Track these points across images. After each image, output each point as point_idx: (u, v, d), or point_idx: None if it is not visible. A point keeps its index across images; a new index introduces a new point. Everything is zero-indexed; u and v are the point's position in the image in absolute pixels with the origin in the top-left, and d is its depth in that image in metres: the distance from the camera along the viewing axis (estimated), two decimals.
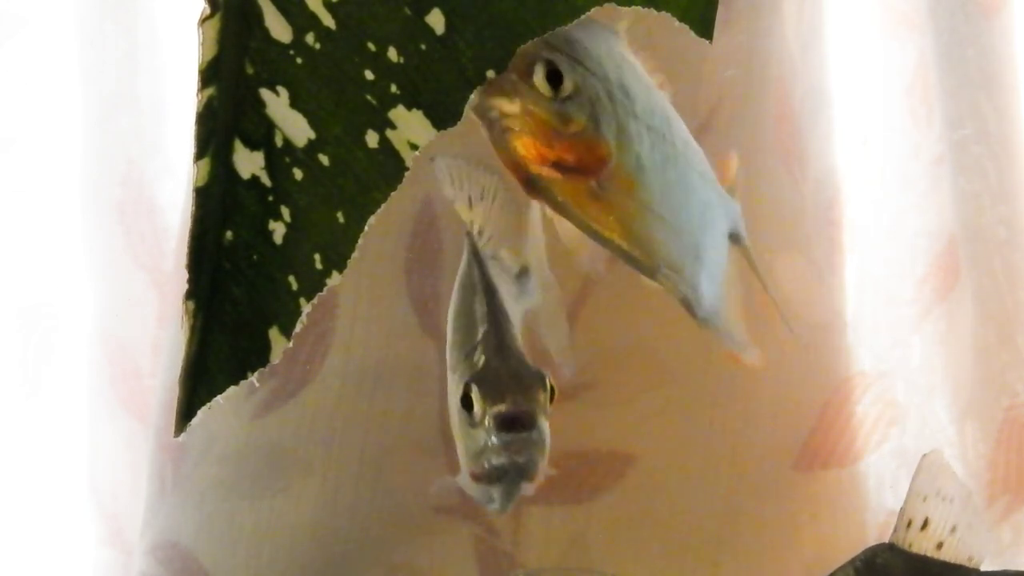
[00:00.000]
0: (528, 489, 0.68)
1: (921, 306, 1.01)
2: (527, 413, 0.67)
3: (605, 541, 0.95)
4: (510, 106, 0.61)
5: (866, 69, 1.01)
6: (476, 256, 0.73)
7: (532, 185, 0.62)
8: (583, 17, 0.62)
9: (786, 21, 0.96)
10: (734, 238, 0.70)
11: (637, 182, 0.63)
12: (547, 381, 0.68)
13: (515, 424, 0.66)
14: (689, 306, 0.66)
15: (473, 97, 0.61)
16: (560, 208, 0.62)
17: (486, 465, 0.67)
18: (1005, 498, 1.02)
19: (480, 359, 0.69)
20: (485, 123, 0.62)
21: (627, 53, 0.66)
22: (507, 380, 0.68)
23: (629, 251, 0.64)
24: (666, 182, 0.64)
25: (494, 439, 0.66)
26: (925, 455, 0.68)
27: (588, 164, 0.62)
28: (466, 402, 0.68)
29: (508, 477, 0.67)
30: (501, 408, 0.67)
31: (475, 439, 0.67)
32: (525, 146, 0.61)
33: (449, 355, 0.72)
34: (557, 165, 0.61)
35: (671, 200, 0.64)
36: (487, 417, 0.67)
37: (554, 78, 0.61)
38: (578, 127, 0.62)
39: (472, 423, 0.67)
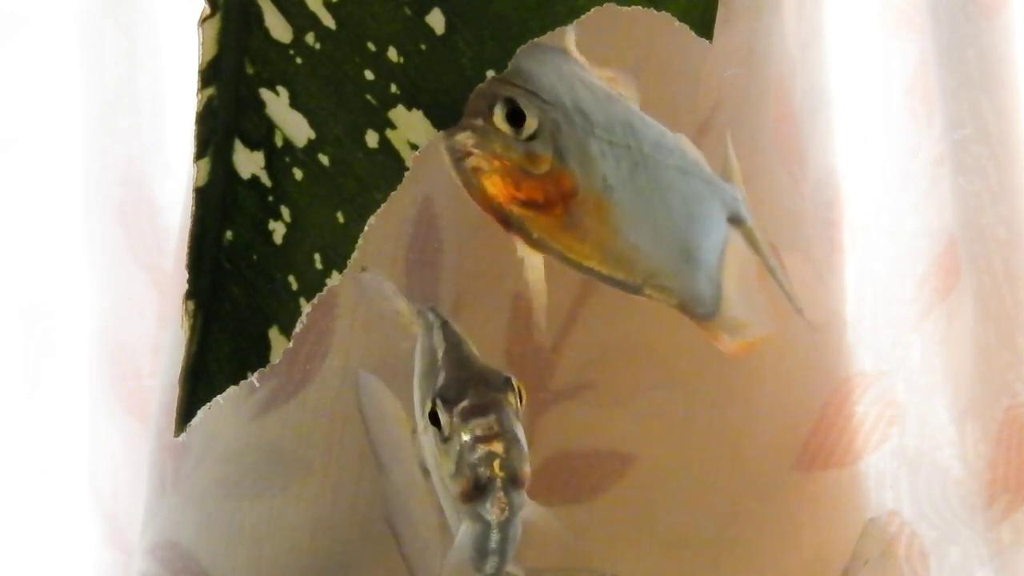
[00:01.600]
0: (522, 503, 0.65)
1: (921, 306, 1.01)
2: (493, 401, 0.64)
3: (605, 541, 0.95)
4: (476, 149, 0.61)
5: (866, 69, 1.00)
6: (433, 310, 0.72)
7: (508, 222, 0.62)
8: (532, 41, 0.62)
9: (786, 21, 0.96)
10: (734, 221, 0.69)
11: (607, 202, 0.63)
12: (513, 383, 0.66)
13: (481, 410, 0.64)
14: (686, 309, 0.66)
15: (440, 136, 0.61)
16: (536, 244, 0.62)
17: (467, 473, 0.64)
18: (1005, 498, 1.01)
19: (440, 376, 0.67)
20: (454, 163, 0.62)
21: (577, 68, 0.65)
22: (468, 383, 0.66)
23: (610, 275, 0.64)
24: (637, 191, 0.64)
25: (465, 435, 0.64)
26: (871, 519, 0.66)
27: (556, 199, 0.62)
28: (434, 419, 0.65)
29: (495, 485, 0.64)
30: (465, 403, 0.65)
31: (450, 453, 0.65)
32: (495, 184, 0.61)
33: (417, 418, 0.69)
34: (526, 204, 0.61)
35: (646, 208, 0.64)
36: (454, 418, 0.65)
37: (515, 116, 0.61)
38: (546, 166, 0.61)
39: (444, 438, 0.65)
